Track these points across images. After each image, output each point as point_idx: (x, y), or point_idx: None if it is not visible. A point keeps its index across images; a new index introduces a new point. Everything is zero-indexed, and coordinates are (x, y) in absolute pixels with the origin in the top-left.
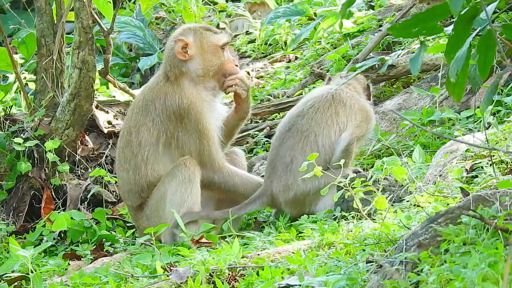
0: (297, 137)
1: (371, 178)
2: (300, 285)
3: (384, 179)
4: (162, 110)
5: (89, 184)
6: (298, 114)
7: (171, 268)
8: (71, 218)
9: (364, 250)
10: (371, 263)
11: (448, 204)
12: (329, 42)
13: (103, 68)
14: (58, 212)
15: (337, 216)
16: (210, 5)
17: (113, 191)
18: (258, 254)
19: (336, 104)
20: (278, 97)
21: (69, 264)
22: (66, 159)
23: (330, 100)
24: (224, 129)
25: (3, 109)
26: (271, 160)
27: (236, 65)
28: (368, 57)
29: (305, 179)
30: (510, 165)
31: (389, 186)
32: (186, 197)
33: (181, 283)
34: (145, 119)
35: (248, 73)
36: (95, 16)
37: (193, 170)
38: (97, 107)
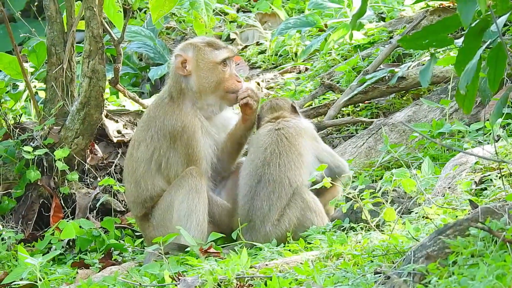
0: (270, 186)
1: (380, 189)
2: None
3: (393, 190)
4: (160, 128)
5: (98, 193)
6: (263, 164)
7: (179, 277)
8: (80, 226)
9: (372, 261)
10: (379, 274)
11: (456, 216)
12: (339, 54)
13: (113, 78)
14: (67, 221)
15: (345, 227)
16: (221, 15)
17: (122, 200)
18: (266, 264)
19: (293, 145)
20: None
21: (77, 272)
22: (75, 167)
23: (286, 142)
24: (232, 139)
25: (13, 117)
26: (245, 215)
27: (239, 81)
28: (378, 68)
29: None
30: None
31: (398, 197)
32: (194, 207)
33: None
34: (145, 135)
35: (258, 83)
36: (106, 25)
37: (200, 180)
38: (106, 116)
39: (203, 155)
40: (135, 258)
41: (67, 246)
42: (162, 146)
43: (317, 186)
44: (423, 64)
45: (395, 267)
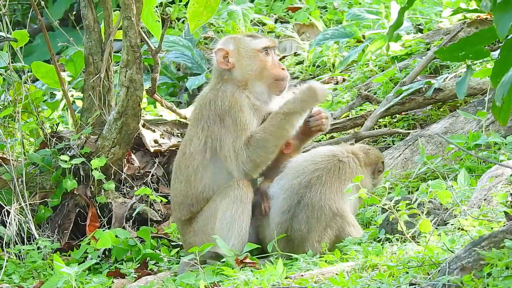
0: (309, 210)
1: (416, 201)
2: None
3: (429, 202)
4: (208, 115)
5: (134, 202)
6: (306, 185)
7: (215, 287)
8: (116, 236)
9: (407, 273)
10: (414, 286)
11: (492, 228)
12: (377, 65)
13: (150, 87)
14: (103, 230)
15: (381, 238)
16: (258, 26)
17: (158, 210)
18: (302, 275)
19: (340, 180)
20: None
21: (113, 282)
22: (112, 177)
23: (337, 174)
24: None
25: (50, 126)
26: (281, 232)
27: (283, 69)
28: (415, 80)
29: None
30: None
31: (434, 209)
32: (237, 217)
33: None
34: (196, 129)
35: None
36: (143, 35)
37: (246, 191)
38: (144, 125)
39: (250, 125)
40: (171, 268)
41: (103, 256)
42: (214, 131)
43: (351, 197)
44: (460, 76)
45: (430, 278)
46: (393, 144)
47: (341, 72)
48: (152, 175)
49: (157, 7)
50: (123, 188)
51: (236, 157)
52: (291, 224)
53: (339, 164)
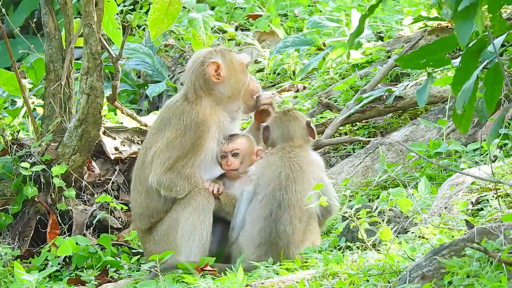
0: (291, 211)
1: (376, 209)
2: None
3: (389, 210)
4: (177, 126)
5: (95, 209)
6: (280, 188)
7: None
8: (76, 243)
9: (368, 281)
10: None
11: (452, 236)
12: (337, 73)
13: (111, 95)
14: (64, 237)
15: (342, 246)
16: (219, 33)
17: (119, 217)
18: (262, 283)
19: (305, 174)
20: None
21: None
22: (73, 184)
23: (299, 169)
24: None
25: (10, 133)
26: (266, 238)
27: (257, 83)
28: (376, 88)
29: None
30: None
31: (395, 217)
32: (198, 224)
33: None
34: (157, 137)
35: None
36: (104, 42)
37: (208, 199)
38: (104, 133)
39: (206, 148)
40: (131, 275)
41: (64, 263)
42: (173, 140)
43: (312, 205)
44: (421, 84)
45: (390, 287)
46: (354, 152)
47: (301, 79)
48: (113, 183)
49: (117, 14)
50: (84, 196)
51: (160, 171)
52: (275, 227)
53: (292, 158)
